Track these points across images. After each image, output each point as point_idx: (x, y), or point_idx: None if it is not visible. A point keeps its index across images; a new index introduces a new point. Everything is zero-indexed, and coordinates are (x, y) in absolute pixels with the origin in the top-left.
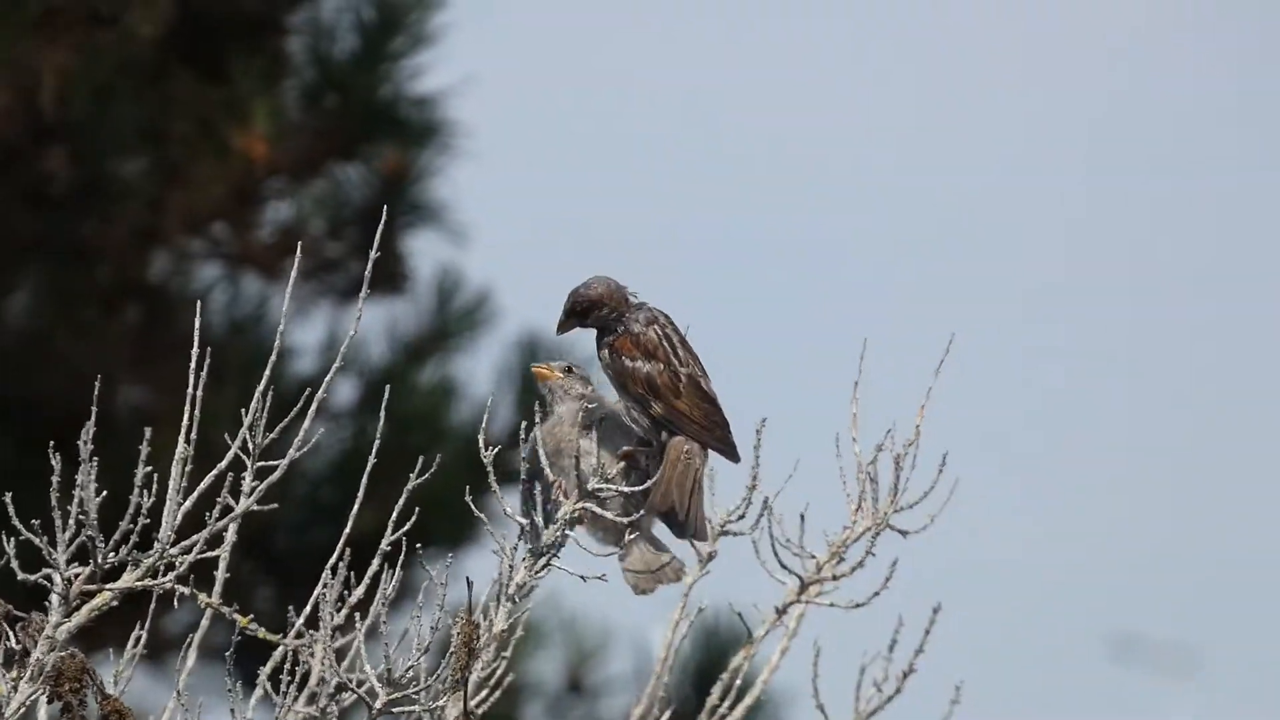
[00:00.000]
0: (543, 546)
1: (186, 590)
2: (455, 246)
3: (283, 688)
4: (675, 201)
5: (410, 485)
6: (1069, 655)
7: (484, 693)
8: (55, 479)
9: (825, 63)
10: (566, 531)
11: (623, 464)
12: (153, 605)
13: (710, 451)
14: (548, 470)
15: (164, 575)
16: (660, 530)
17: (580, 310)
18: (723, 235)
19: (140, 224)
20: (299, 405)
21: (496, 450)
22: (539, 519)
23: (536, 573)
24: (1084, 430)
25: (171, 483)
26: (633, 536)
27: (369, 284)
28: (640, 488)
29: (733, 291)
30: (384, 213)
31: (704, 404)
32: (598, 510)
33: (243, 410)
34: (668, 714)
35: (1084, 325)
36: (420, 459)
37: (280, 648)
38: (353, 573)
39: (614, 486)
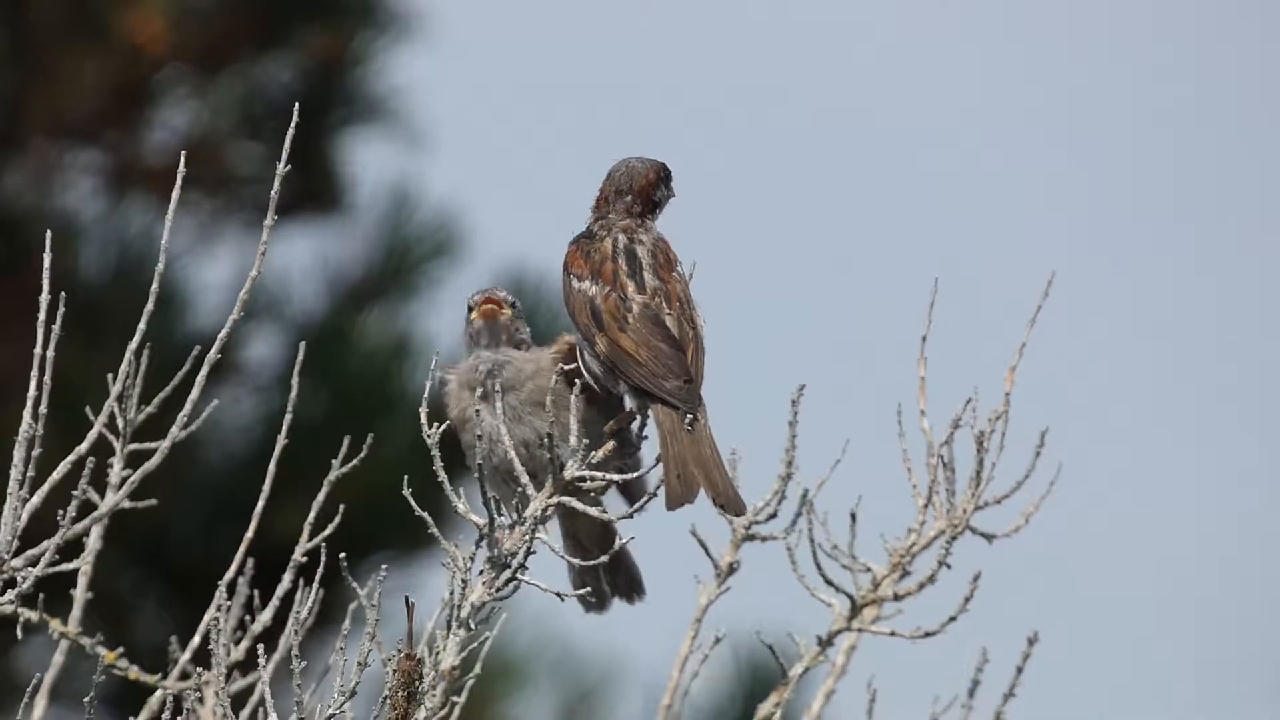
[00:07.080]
0: (505, 554)
1: (33, 615)
2: (411, 154)
3: None
4: (689, 105)
5: (333, 475)
6: (1209, 699)
7: None
8: None
9: None
10: (537, 534)
11: (612, 442)
12: None
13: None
14: (505, 442)
15: (2, 595)
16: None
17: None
18: (749, 138)
19: None
20: (185, 368)
21: (444, 427)
22: (503, 518)
23: (498, 590)
24: (1241, 397)
25: (13, 472)
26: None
27: (290, 205)
28: (634, 475)
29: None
30: (296, 112)
31: (657, 342)
32: (579, 506)
33: (110, 376)
34: None
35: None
36: (346, 440)
37: (159, 691)
38: (257, 591)
39: (600, 474)
